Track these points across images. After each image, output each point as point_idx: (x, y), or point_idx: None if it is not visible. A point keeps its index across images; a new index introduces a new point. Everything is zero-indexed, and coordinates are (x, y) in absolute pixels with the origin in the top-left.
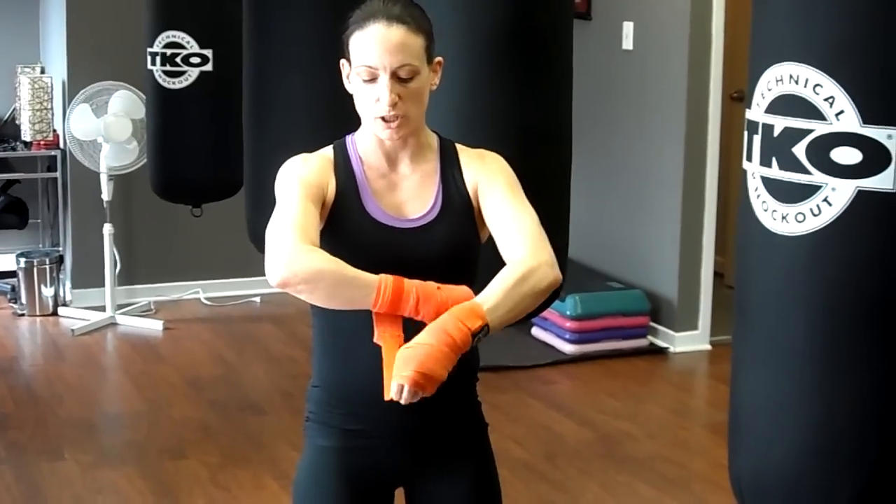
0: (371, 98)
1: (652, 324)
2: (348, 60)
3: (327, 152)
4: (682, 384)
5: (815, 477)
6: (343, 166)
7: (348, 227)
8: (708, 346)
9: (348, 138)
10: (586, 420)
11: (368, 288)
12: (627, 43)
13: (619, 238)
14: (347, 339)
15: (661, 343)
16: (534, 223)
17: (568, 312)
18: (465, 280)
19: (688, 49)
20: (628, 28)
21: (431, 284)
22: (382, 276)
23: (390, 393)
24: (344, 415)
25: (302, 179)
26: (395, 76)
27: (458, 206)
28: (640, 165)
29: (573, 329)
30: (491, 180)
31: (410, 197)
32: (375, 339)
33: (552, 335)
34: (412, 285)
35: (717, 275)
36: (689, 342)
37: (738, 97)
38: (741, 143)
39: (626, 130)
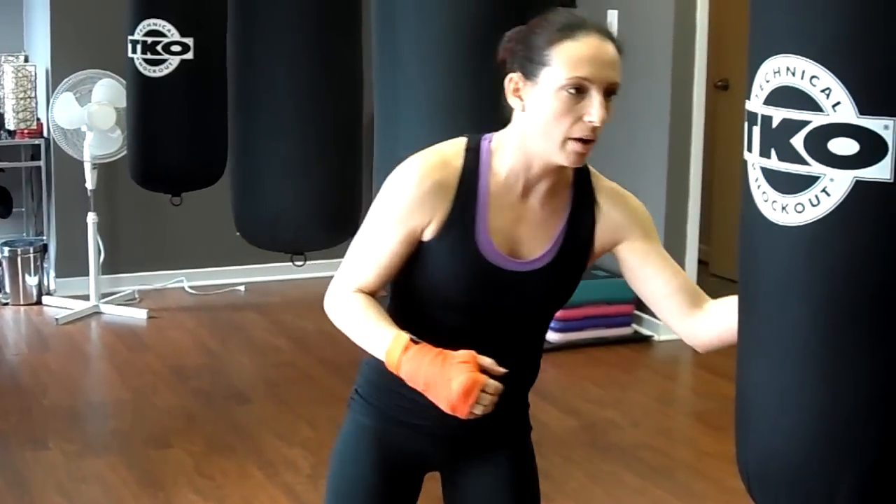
0: (572, 115)
1: (636, 312)
2: (530, 74)
3: (456, 160)
4: (667, 372)
5: (818, 462)
6: (468, 181)
7: (451, 253)
8: None
9: (484, 145)
10: (571, 408)
11: (379, 351)
12: (612, 30)
13: None
14: (423, 329)
15: (645, 331)
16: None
17: None
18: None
19: (672, 37)
20: (613, 16)
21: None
22: (393, 344)
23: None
24: (393, 402)
25: (404, 211)
26: (607, 94)
27: (576, 250)
28: (624, 154)
29: (557, 317)
30: (649, 243)
31: (530, 235)
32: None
33: None
34: (417, 371)
35: (702, 263)
36: (672, 330)
37: (722, 86)
38: (726, 132)
39: (613, 119)
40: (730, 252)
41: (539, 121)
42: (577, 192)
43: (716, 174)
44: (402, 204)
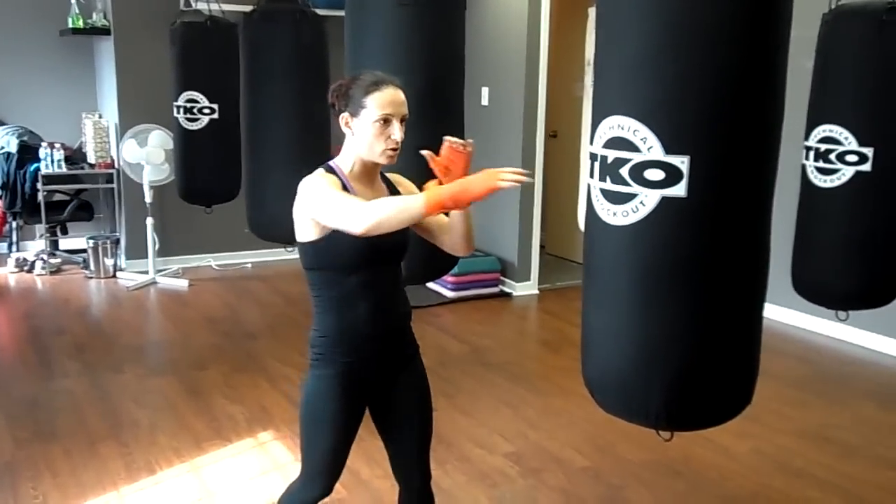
0: (384, 136)
1: (502, 277)
2: (354, 113)
3: (327, 173)
4: (522, 315)
5: (636, 377)
6: (340, 179)
7: None
8: (537, 291)
9: (333, 165)
10: (463, 339)
11: (418, 211)
12: (485, 100)
13: (480, 225)
14: (349, 302)
15: (507, 290)
16: None
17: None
18: (403, 253)
19: (523, 104)
20: (485, 91)
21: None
22: (425, 195)
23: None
24: (344, 351)
25: (331, 185)
26: (401, 121)
27: None
28: None
29: (453, 282)
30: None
31: None
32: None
33: (440, 286)
34: (443, 196)
35: (542, 246)
36: (525, 289)
37: (553, 135)
38: (556, 166)
39: (484, 157)
40: (559, 239)
41: (365, 141)
42: (382, 177)
43: (549, 191)
44: (328, 183)
